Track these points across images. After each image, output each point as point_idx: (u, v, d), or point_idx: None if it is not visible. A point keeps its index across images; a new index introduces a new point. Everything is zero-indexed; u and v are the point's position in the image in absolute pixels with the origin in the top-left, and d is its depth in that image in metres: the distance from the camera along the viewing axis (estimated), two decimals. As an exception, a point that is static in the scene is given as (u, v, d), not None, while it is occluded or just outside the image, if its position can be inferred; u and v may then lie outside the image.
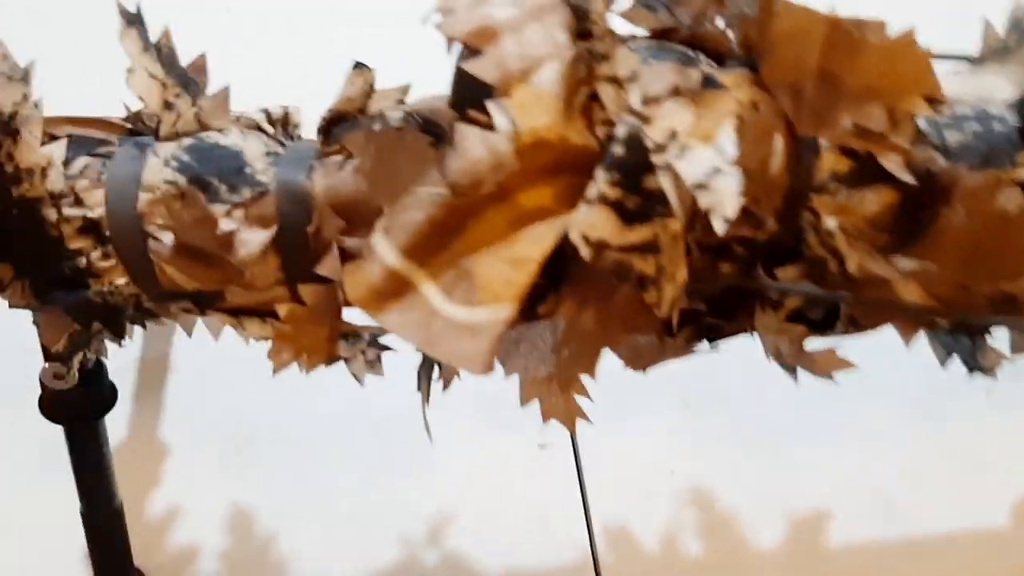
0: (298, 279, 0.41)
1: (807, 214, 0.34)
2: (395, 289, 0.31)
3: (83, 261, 0.40)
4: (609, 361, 0.71)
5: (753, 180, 0.31)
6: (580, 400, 0.43)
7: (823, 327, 0.42)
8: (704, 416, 0.70)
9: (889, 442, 0.69)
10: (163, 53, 0.39)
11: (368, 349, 0.45)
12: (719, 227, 0.30)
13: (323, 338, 0.41)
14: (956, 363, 0.68)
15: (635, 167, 0.28)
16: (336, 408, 0.69)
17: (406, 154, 0.32)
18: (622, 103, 0.29)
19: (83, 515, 0.57)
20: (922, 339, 0.68)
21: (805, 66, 0.32)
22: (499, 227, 0.31)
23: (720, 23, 0.35)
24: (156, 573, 0.63)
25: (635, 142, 0.28)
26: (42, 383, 0.49)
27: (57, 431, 0.59)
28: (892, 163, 0.34)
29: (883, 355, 0.70)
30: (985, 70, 0.36)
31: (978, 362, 0.43)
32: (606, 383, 0.68)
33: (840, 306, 0.41)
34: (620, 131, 0.28)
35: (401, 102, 0.43)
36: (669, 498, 0.67)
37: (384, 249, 0.31)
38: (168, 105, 0.40)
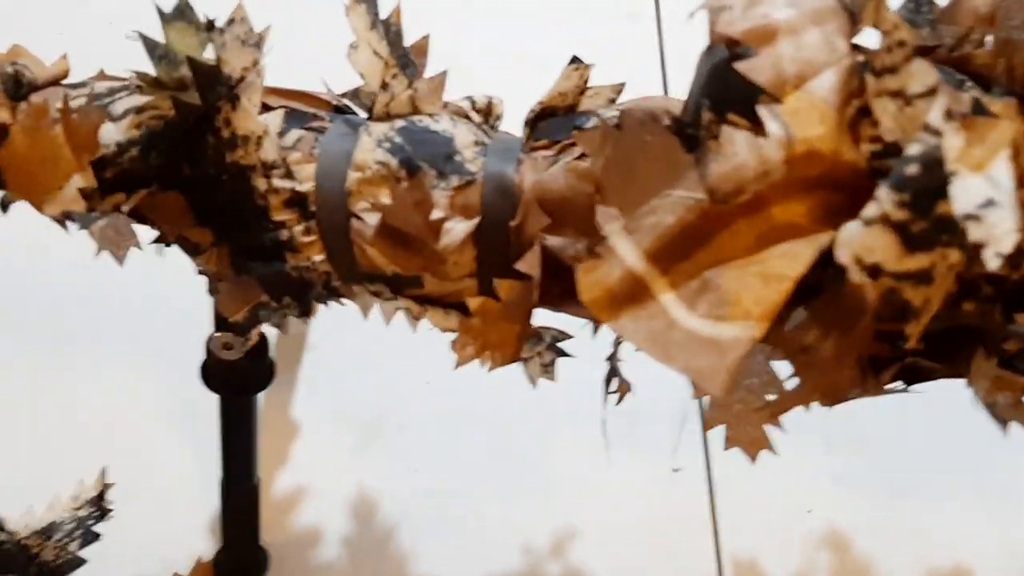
0: (491, 273, 0.40)
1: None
2: (632, 294, 0.30)
3: (285, 234, 0.40)
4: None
5: (1026, 216, 0.29)
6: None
7: None
8: (845, 456, 0.67)
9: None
10: (391, 31, 0.39)
11: (546, 352, 0.44)
12: (993, 263, 0.28)
13: (512, 336, 0.40)
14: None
15: (929, 190, 0.27)
16: (473, 406, 0.69)
17: (652, 156, 0.31)
18: (906, 120, 0.27)
19: (221, 487, 0.57)
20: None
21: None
22: (747, 240, 0.29)
23: (986, 45, 0.33)
24: (279, 551, 0.63)
25: (933, 163, 0.26)
26: (209, 351, 0.49)
27: (188, 401, 0.60)
28: None
29: None
30: None
31: None
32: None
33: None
34: (914, 149, 0.27)
35: (613, 101, 0.42)
36: (803, 537, 0.64)
37: (626, 251, 0.30)
38: (384, 85, 0.40)
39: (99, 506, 0.63)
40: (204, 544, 0.63)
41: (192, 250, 0.41)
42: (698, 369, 0.28)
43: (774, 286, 0.28)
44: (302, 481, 0.66)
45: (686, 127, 0.31)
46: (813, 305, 0.30)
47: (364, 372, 0.70)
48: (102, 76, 0.41)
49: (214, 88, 0.36)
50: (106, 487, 0.63)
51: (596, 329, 0.42)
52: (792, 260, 0.28)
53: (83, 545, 0.62)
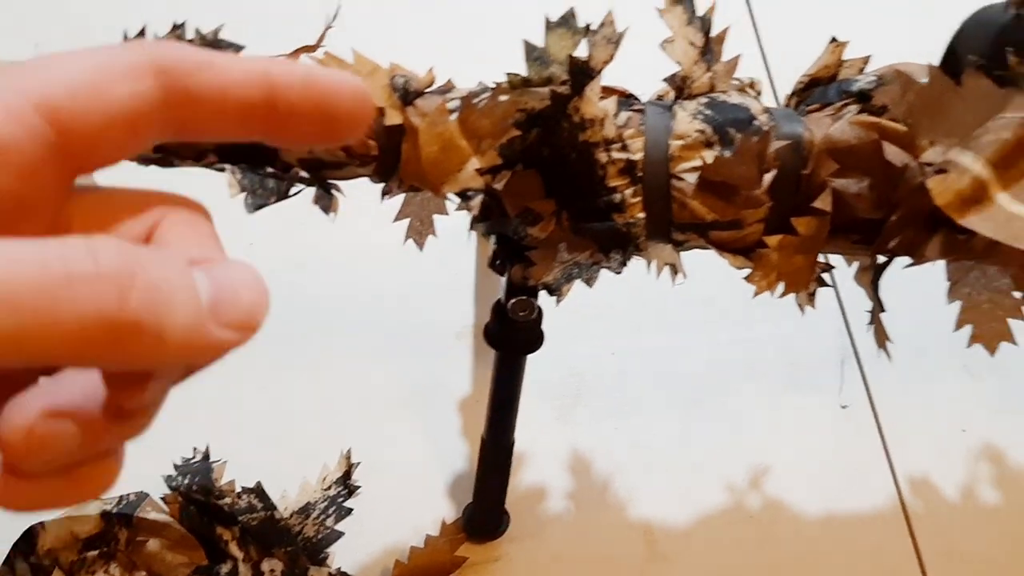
0: (777, 217, 0.50)
1: None
2: (976, 196, 0.39)
3: (617, 197, 0.49)
4: (897, 329, 0.79)
5: None
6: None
7: None
8: (986, 380, 0.77)
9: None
10: (705, 24, 0.48)
11: (812, 283, 0.53)
12: None
13: (805, 266, 0.49)
14: None
15: None
16: (653, 369, 0.77)
17: (966, 95, 0.40)
18: None
19: (483, 443, 0.65)
20: None
21: None
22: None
23: None
24: (513, 508, 0.71)
25: None
26: (503, 315, 0.57)
27: (415, 390, 0.68)
28: None
29: None
30: None
31: None
32: (898, 356, 0.77)
33: None
34: None
35: (862, 71, 0.52)
36: (963, 454, 0.74)
37: (971, 162, 0.39)
38: (690, 71, 0.49)
39: (346, 484, 0.70)
40: (446, 509, 0.71)
41: (532, 220, 0.50)
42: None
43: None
44: (520, 449, 0.74)
45: (991, 71, 0.41)
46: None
47: (556, 350, 0.78)
48: (450, 85, 0.49)
49: (583, 81, 0.45)
50: (351, 466, 0.71)
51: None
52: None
53: (338, 520, 0.69)
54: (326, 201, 0.48)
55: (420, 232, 0.57)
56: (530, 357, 0.80)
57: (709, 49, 0.49)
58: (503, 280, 0.58)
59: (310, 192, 0.53)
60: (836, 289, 0.82)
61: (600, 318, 0.81)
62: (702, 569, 0.69)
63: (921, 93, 0.42)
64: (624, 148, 0.48)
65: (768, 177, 0.48)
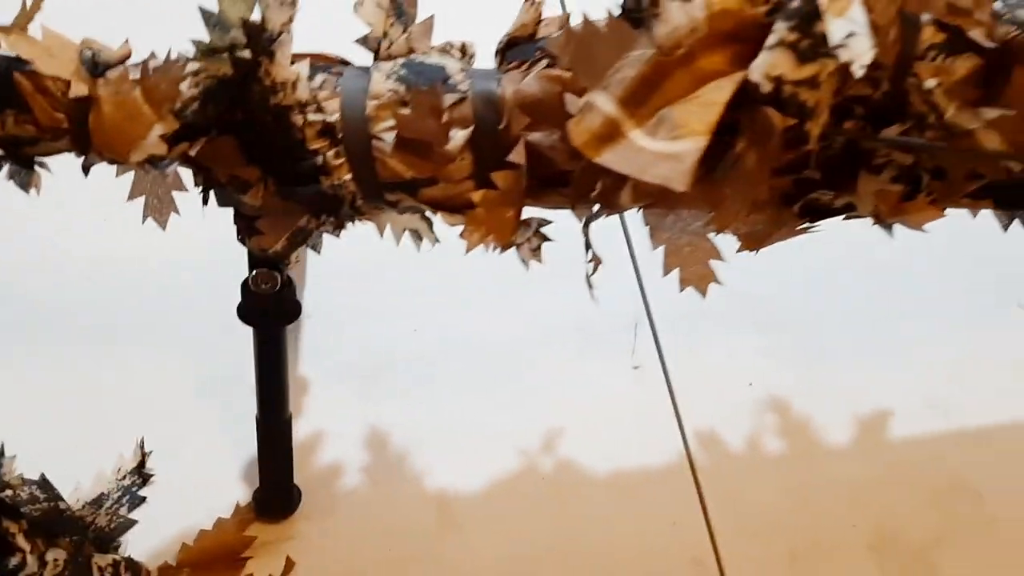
0: (487, 172, 0.51)
1: (911, 78, 0.45)
2: (610, 134, 0.41)
3: (319, 159, 0.50)
4: (687, 292, 0.81)
5: (879, 43, 0.41)
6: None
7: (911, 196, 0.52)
8: (773, 336, 0.79)
9: (936, 351, 0.79)
10: (389, -13, 0.49)
11: (533, 238, 0.55)
12: (859, 72, 0.40)
13: (509, 219, 0.51)
14: (990, 279, 0.80)
15: (809, 14, 0.38)
16: (454, 344, 0.79)
17: (607, 38, 0.42)
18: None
19: (258, 422, 0.65)
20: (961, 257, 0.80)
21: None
22: (685, 86, 0.41)
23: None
24: (308, 487, 0.71)
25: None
26: (247, 288, 0.58)
27: (208, 377, 0.69)
28: (977, 34, 0.44)
29: (928, 277, 0.81)
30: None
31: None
32: (688, 316, 0.79)
33: (922, 178, 0.51)
34: (796, -4, 0.38)
35: (562, 28, 0.53)
36: (750, 406, 0.76)
37: (603, 102, 0.41)
38: (385, 33, 0.50)
39: (141, 473, 0.70)
40: (242, 493, 0.71)
41: (242, 187, 0.50)
42: (665, 176, 0.39)
43: (710, 108, 0.39)
44: (319, 427, 0.74)
45: (630, 12, 0.43)
46: (740, 125, 0.41)
47: (357, 330, 0.80)
48: (152, 57, 0.50)
49: (260, 44, 0.46)
50: (145, 456, 0.71)
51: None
52: (720, 90, 0.40)
53: (132, 508, 0.69)
54: (23, 177, 0.49)
55: (159, 210, 0.57)
56: (328, 336, 0.80)
57: (404, 11, 0.50)
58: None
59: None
60: (632, 253, 0.84)
61: (400, 295, 0.82)
62: (494, 534, 0.70)
63: (578, 41, 0.44)
64: (320, 110, 0.49)
65: (464, 134, 0.49)
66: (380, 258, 0.69)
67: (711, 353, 0.79)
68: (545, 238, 0.54)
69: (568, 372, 0.77)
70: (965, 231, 0.81)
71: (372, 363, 0.78)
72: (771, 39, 0.39)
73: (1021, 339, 0.79)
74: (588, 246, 0.53)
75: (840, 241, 0.81)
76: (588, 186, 0.49)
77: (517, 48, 0.53)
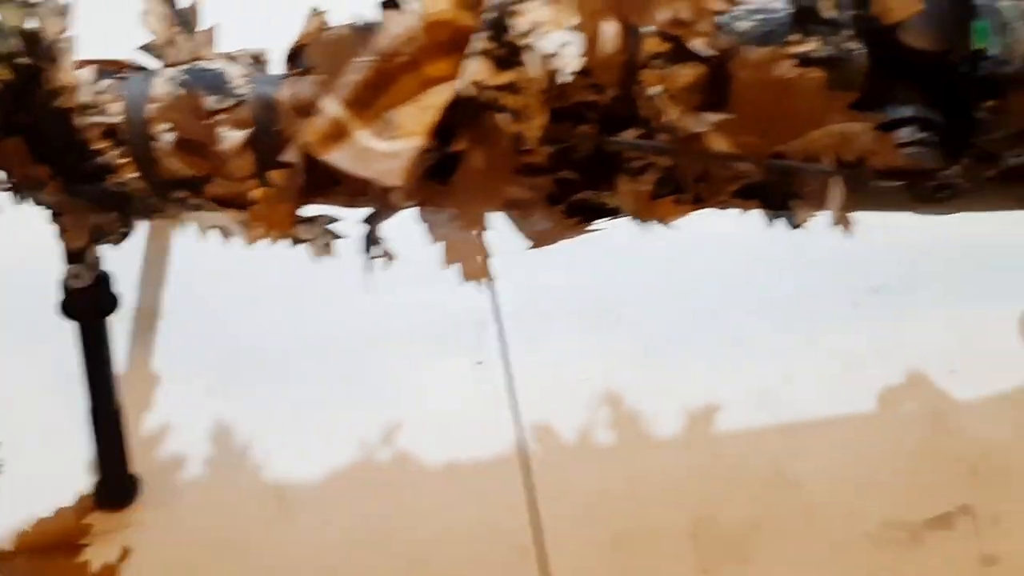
0: (268, 170, 0.54)
1: (638, 85, 0.48)
2: (337, 134, 0.44)
3: (103, 159, 0.52)
4: (534, 292, 0.84)
5: (590, 52, 0.45)
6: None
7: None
8: (614, 333, 0.83)
9: (768, 347, 0.82)
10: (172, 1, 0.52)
11: (324, 235, 0.58)
12: (565, 78, 0.43)
13: (287, 214, 0.53)
14: (825, 279, 0.83)
15: (500, 26, 0.41)
16: (303, 341, 0.81)
17: (345, 46, 0.45)
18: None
19: (90, 412, 0.68)
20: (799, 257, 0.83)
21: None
22: (412, 90, 0.44)
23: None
24: (150, 478, 0.74)
25: (501, 9, 0.41)
26: (65, 287, 0.61)
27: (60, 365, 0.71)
28: (698, 44, 0.47)
29: (764, 277, 0.85)
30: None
31: (796, 220, 0.56)
32: (536, 314, 0.82)
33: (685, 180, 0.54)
34: (492, 1, 0.41)
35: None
36: (585, 399, 0.79)
37: (330, 105, 0.44)
38: (171, 41, 0.53)
39: (-11, 464, 0.73)
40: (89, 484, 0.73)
41: (36, 186, 0.53)
42: (382, 171, 0.42)
43: (427, 112, 0.42)
44: (166, 421, 0.77)
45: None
46: (459, 128, 0.44)
47: (212, 327, 0.82)
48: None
49: (39, 51, 0.49)
50: (-7, 447, 0.73)
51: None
52: (438, 95, 0.43)
53: (-24, 500, 0.71)
54: None
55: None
56: (183, 333, 0.83)
57: (188, 21, 0.53)
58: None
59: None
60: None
61: (256, 294, 0.84)
62: (328, 522, 0.73)
63: (321, 48, 0.47)
64: (102, 112, 0.52)
65: (241, 135, 0.52)
66: (239, 257, 0.71)
67: (554, 349, 0.82)
68: (335, 235, 0.57)
69: (414, 368, 0.80)
70: (804, 231, 0.86)
71: (224, 359, 0.80)
72: (471, 47, 0.42)
73: (852, 338, 0.82)
74: (374, 242, 0.56)
75: (682, 240, 0.85)
76: (359, 185, 0.52)
77: (302, 55, 0.56)
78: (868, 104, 0.51)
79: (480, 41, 0.41)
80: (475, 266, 0.56)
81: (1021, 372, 0.81)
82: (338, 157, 0.43)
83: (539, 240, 0.58)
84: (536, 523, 0.73)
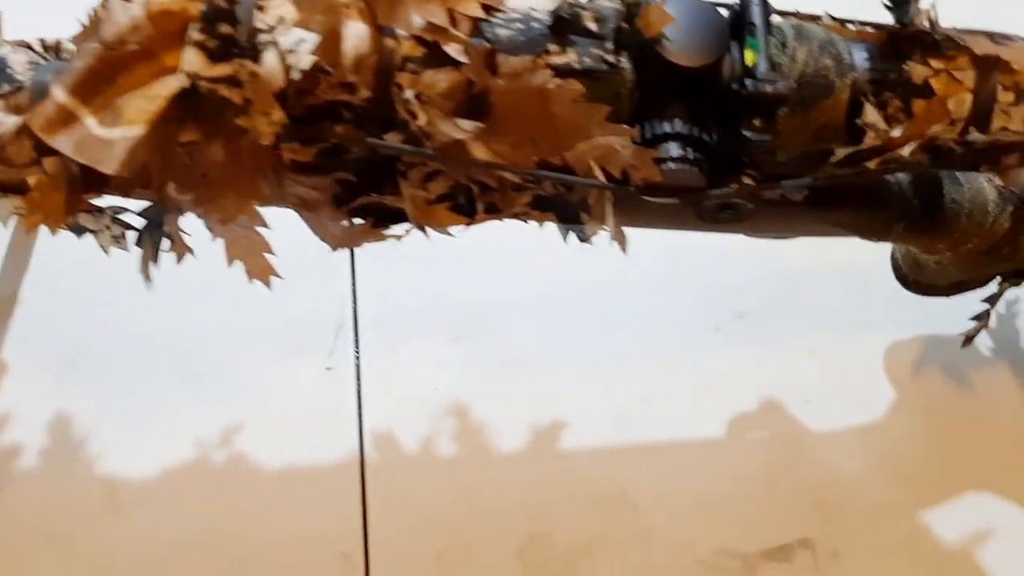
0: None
1: (395, 88, 0.47)
2: (65, 120, 0.43)
3: None
4: (398, 297, 0.83)
5: (331, 51, 0.44)
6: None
7: (468, 212, 0.55)
8: (472, 343, 0.82)
9: (627, 367, 0.81)
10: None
11: (112, 225, 0.58)
12: (296, 75, 0.43)
13: (60, 204, 0.53)
14: (692, 302, 0.82)
15: (214, 17, 0.41)
16: (151, 336, 0.81)
17: (87, 36, 0.45)
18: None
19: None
20: (669, 278, 0.83)
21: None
22: (145, 79, 0.44)
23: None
24: (-16, 468, 0.74)
25: (232, 1, 0.41)
26: None
27: None
28: (453, 50, 0.47)
29: (631, 296, 0.84)
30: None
31: (585, 234, 0.56)
32: (394, 320, 0.81)
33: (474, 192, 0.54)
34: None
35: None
36: (431, 410, 0.78)
37: (57, 91, 0.44)
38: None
39: None
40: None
41: None
42: (99, 158, 0.42)
43: (152, 101, 0.42)
44: (6, 410, 0.77)
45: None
46: (190, 118, 0.44)
47: (67, 318, 0.82)
48: None
49: None
50: None
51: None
52: (165, 84, 0.42)
53: None
54: None
55: None
56: (38, 323, 0.83)
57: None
58: None
59: None
60: (352, 260, 0.86)
61: (115, 288, 0.83)
62: (156, 520, 0.72)
63: (82, 31, 0.47)
64: None
65: (15, 120, 0.52)
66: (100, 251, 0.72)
67: (409, 357, 0.81)
68: (128, 226, 0.57)
69: (263, 370, 0.80)
70: (674, 252, 0.85)
71: (75, 351, 0.80)
72: (187, 38, 0.42)
73: (711, 362, 0.81)
74: (154, 236, 0.56)
75: (549, 254, 0.84)
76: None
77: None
78: (635, 119, 0.50)
79: (195, 32, 0.41)
80: (258, 264, 0.55)
81: (877, 406, 0.80)
82: (62, 142, 0.43)
83: (335, 242, 0.57)
84: (365, 532, 0.72)
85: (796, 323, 0.82)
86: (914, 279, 0.73)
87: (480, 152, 0.48)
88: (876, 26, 0.52)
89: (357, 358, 0.81)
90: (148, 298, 0.85)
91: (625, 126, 0.48)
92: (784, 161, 0.53)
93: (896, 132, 0.49)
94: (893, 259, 0.74)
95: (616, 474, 0.76)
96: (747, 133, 0.49)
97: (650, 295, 0.85)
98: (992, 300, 0.72)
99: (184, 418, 0.77)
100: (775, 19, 0.52)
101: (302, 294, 0.84)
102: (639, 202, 0.52)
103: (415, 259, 0.85)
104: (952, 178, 0.63)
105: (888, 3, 0.51)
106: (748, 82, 0.48)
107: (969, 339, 0.73)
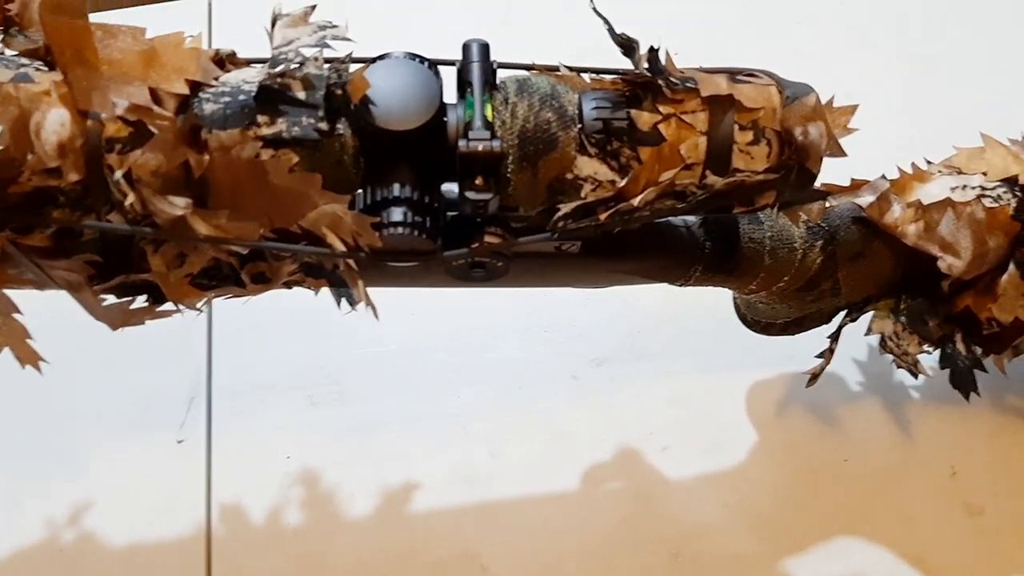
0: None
1: (107, 170, 0.47)
2: None
3: None
4: (254, 366, 0.82)
5: (17, 138, 0.44)
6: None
7: (238, 283, 0.54)
8: (327, 410, 0.81)
9: (481, 421, 0.79)
10: None
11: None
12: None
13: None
14: (549, 350, 0.80)
15: None
16: (7, 402, 0.80)
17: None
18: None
19: None
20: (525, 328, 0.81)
21: (71, 56, 0.45)
22: None
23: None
24: None
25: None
26: None
27: None
28: (159, 130, 0.46)
29: (483, 348, 0.82)
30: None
31: (353, 299, 0.55)
32: (249, 390, 0.81)
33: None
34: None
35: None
36: (280, 479, 0.77)
37: None
38: None
39: None
40: None
41: None
42: None
43: None
44: None
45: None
46: None
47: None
48: None
49: None
50: None
51: None
52: None
53: None
54: None
55: None
56: None
57: None
58: None
59: None
60: (210, 326, 0.86)
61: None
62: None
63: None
64: None
65: None
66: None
67: (260, 427, 0.80)
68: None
69: (115, 446, 0.79)
70: (532, 298, 0.83)
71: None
72: None
73: (567, 411, 0.79)
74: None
75: (411, 310, 0.84)
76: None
77: None
78: (366, 184, 0.50)
79: None
80: (25, 351, 0.55)
81: (738, 449, 0.77)
82: None
83: (111, 322, 0.57)
84: (206, 606, 0.71)
85: (654, 366, 0.81)
86: (752, 318, 0.71)
87: (202, 227, 0.48)
88: (615, 72, 0.51)
89: (209, 430, 0.80)
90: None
91: (336, 195, 0.47)
92: (532, 215, 0.52)
93: (624, 181, 0.48)
94: (733, 299, 0.73)
95: (466, 535, 0.74)
96: (468, 194, 0.48)
97: (507, 344, 0.83)
98: (834, 336, 0.70)
99: (28, 495, 0.77)
100: (505, 74, 0.51)
101: (155, 364, 0.83)
102: (385, 265, 0.51)
103: (272, 325, 0.84)
104: (751, 216, 0.62)
105: (621, 48, 0.50)
106: (461, 143, 0.47)
107: (814, 377, 0.71)
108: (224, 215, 0.48)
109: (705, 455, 0.77)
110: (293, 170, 0.47)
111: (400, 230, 0.47)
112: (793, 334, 0.72)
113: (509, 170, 0.49)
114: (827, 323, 0.71)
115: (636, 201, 0.48)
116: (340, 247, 0.49)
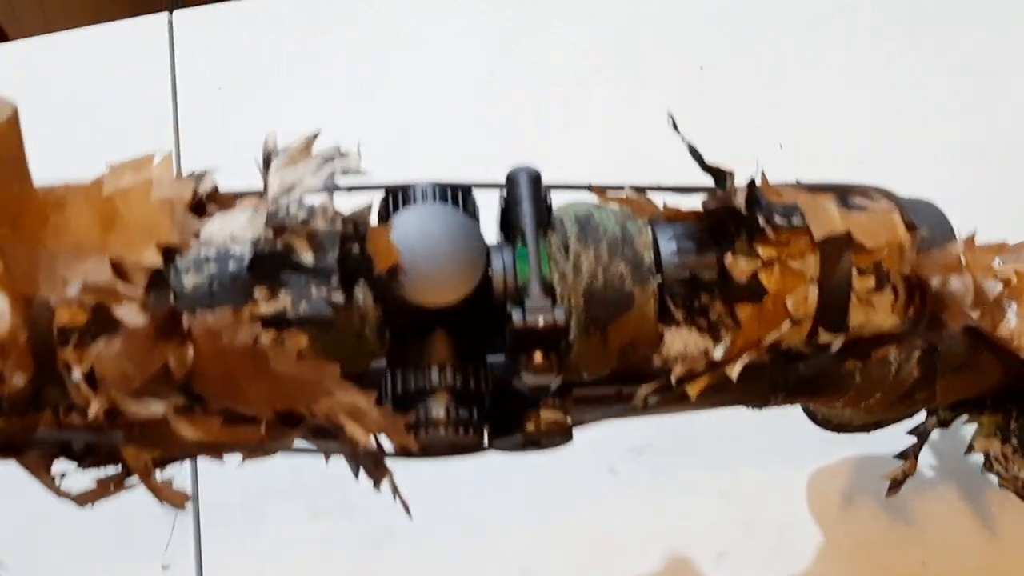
0: None
1: (62, 368, 0.37)
2: None
3: None
4: (246, 482, 0.72)
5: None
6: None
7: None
8: (330, 522, 0.71)
9: (515, 525, 0.70)
10: None
11: None
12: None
13: None
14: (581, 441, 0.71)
15: None
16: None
17: None
18: None
19: None
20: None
21: (6, 229, 0.35)
22: None
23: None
24: None
25: None
26: None
27: None
28: (125, 312, 0.36)
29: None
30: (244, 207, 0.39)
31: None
32: (240, 504, 0.71)
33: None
34: None
35: None
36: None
37: None
38: None
39: None
40: None
41: None
42: None
43: None
44: None
45: None
46: None
47: None
48: None
49: None
50: None
51: None
52: None
53: None
54: None
55: None
56: None
57: None
58: None
59: None
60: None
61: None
62: None
63: None
64: None
65: None
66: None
67: (256, 544, 0.70)
68: None
69: (95, 568, 0.69)
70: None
71: None
72: None
73: (610, 510, 0.70)
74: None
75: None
76: None
77: None
78: (393, 361, 0.40)
79: None
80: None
81: (804, 551, 0.69)
82: None
83: (77, 500, 0.47)
84: None
85: (700, 458, 0.71)
86: (823, 418, 0.62)
87: (188, 431, 0.37)
88: (695, 191, 0.41)
89: (198, 551, 0.70)
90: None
91: (358, 389, 0.37)
92: (598, 374, 0.42)
93: (718, 351, 0.38)
94: (799, 396, 0.63)
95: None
96: (526, 376, 0.38)
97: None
98: (921, 437, 0.61)
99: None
100: (560, 207, 0.41)
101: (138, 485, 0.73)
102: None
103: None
104: (839, 330, 0.52)
105: (703, 167, 0.40)
106: (515, 314, 0.37)
107: (896, 485, 0.62)
108: (217, 422, 0.38)
109: (768, 560, 0.68)
110: (302, 355, 0.37)
111: (442, 431, 0.37)
112: (870, 431, 0.63)
113: (571, 335, 0.39)
114: (910, 418, 0.63)
115: (734, 373, 0.39)
116: (363, 440, 0.39)
